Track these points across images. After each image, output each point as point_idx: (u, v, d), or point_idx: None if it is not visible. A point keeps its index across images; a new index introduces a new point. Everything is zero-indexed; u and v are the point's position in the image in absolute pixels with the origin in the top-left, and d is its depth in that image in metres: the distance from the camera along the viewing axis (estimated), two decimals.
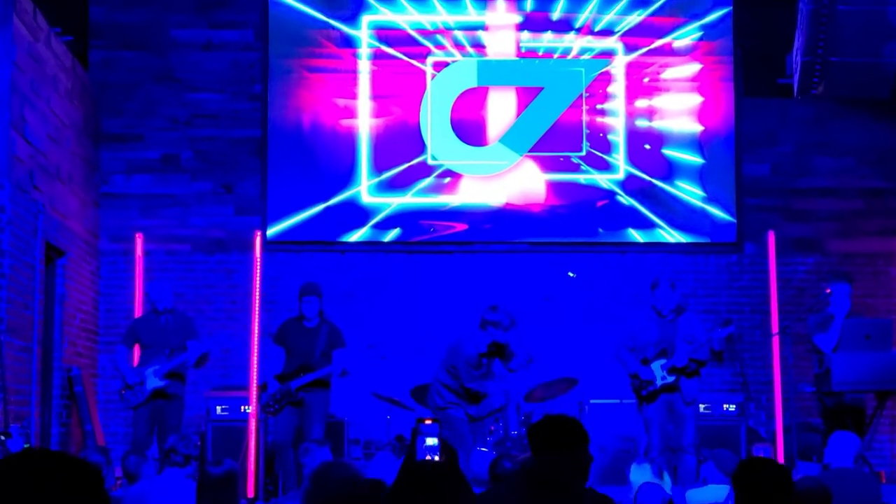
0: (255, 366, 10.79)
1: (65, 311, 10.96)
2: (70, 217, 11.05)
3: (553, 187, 12.41)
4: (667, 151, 12.49)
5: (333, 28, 12.46)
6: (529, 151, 12.41)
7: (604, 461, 10.59)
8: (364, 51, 12.46)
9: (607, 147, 12.47)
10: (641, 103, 12.56)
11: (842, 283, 10.43)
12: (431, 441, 3.60)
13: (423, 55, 12.48)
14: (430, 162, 12.39)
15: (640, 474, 8.66)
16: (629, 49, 12.55)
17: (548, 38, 12.57)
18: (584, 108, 12.48)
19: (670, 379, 9.49)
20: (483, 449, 9.32)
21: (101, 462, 8.31)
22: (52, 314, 10.79)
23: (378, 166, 12.35)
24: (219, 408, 10.87)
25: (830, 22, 8.90)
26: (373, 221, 12.30)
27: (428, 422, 3.61)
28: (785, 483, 4.44)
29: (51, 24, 10.48)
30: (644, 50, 12.56)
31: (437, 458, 3.59)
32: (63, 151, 10.87)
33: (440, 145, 12.41)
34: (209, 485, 6.10)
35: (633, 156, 12.46)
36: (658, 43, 12.56)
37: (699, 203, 12.42)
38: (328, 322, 10.16)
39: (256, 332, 11.13)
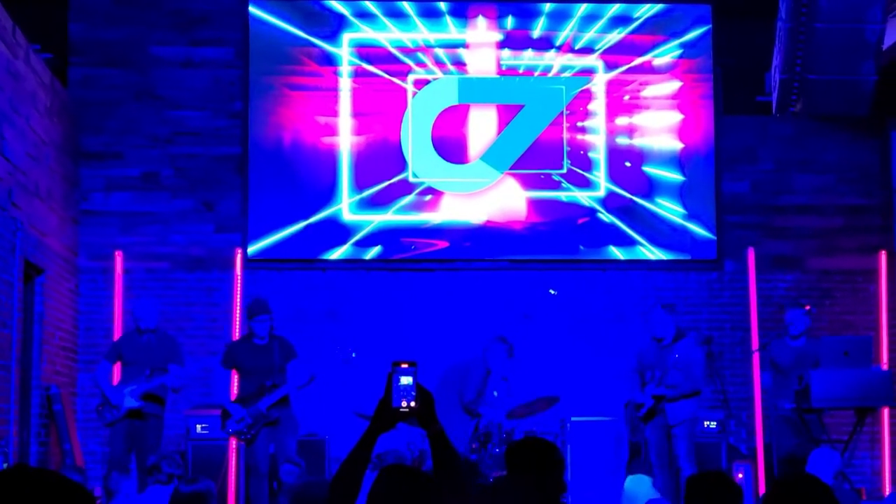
0: (237, 384, 10.76)
1: (43, 330, 10.90)
2: (49, 235, 11.01)
3: (534, 205, 12.43)
4: (647, 169, 12.52)
5: (314, 46, 12.46)
6: (510, 169, 12.43)
7: (586, 479, 10.58)
8: (345, 68, 12.46)
9: (588, 164, 12.49)
10: (622, 121, 12.59)
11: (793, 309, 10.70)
12: (406, 380, 3.48)
13: (404, 73, 12.49)
14: (412, 179, 12.39)
15: (638, 485, 9.00)
16: (609, 67, 12.59)
17: (528, 56, 12.60)
18: (565, 125, 12.51)
19: (650, 402, 10.03)
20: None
21: (78, 481, 8.22)
22: (31, 332, 10.72)
23: (359, 184, 12.34)
24: (199, 426, 10.81)
25: (808, 40, 8.92)
26: (354, 239, 12.28)
27: (404, 365, 3.49)
28: None
29: (30, 41, 10.45)
30: (624, 68, 12.59)
31: (412, 403, 3.48)
32: (42, 169, 10.83)
33: (421, 163, 12.41)
34: (180, 502, 6.06)
35: (614, 173, 12.49)
36: (638, 61, 12.61)
37: (679, 220, 12.45)
38: (278, 337, 10.10)
39: None
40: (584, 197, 12.44)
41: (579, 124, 12.54)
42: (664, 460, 10.02)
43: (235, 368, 10.14)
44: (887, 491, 11.43)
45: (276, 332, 10.12)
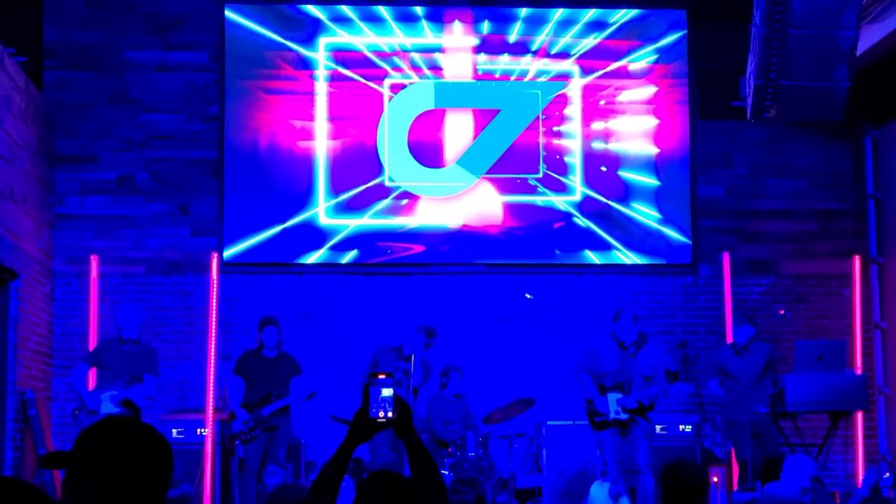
0: (212, 388, 10.79)
1: (18, 334, 10.84)
2: (24, 238, 10.96)
3: (510, 209, 12.45)
4: (623, 173, 12.56)
5: (290, 50, 12.45)
6: (486, 173, 12.44)
7: (561, 483, 10.62)
8: (321, 72, 12.45)
9: (564, 169, 12.52)
10: (598, 125, 12.63)
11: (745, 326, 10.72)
12: (387, 392, 3.49)
13: (380, 77, 12.49)
14: (388, 184, 12.39)
15: (598, 492, 8.90)
16: (585, 72, 12.63)
17: (504, 61, 12.62)
18: (541, 130, 12.53)
19: (623, 417, 9.49)
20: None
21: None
22: (6, 337, 10.67)
23: (335, 188, 12.34)
24: (174, 431, 10.81)
25: (782, 46, 8.96)
26: (330, 243, 12.27)
27: (382, 376, 3.50)
28: None
29: (4, 44, 10.40)
30: (600, 73, 12.63)
31: (390, 413, 3.49)
32: (17, 172, 10.78)
33: (397, 167, 12.41)
34: None
35: (590, 178, 12.52)
36: (614, 66, 12.64)
37: (655, 225, 12.49)
38: (286, 353, 10.63)
39: (213, 354, 11.11)
40: (559, 201, 12.47)
41: (555, 129, 12.57)
42: (622, 464, 9.53)
43: (244, 376, 10.55)
44: None
45: (283, 348, 10.67)
